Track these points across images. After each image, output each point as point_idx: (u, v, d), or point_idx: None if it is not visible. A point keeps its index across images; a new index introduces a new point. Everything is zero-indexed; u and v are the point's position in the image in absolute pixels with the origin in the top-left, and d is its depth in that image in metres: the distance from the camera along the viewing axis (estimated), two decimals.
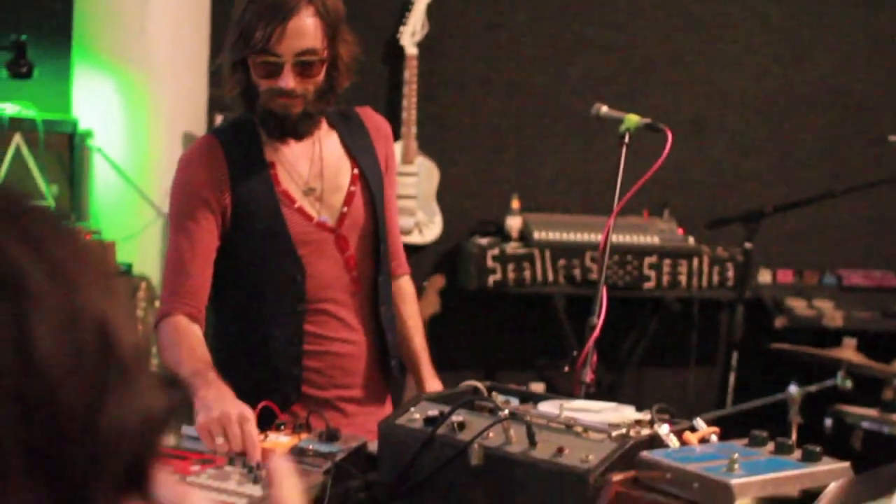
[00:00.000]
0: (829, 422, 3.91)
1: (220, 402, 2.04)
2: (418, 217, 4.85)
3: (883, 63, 5.01)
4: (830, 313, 4.72)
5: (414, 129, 4.74)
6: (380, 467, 1.95)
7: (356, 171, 2.46)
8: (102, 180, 4.22)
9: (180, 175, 2.36)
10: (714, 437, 1.80)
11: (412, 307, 2.64)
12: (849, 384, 3.83)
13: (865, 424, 3.80)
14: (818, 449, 1.68)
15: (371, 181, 2.46)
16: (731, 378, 4.21)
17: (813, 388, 3.82)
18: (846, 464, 1.67)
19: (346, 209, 2.43)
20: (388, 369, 2.50)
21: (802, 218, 4.75)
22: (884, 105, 4.94)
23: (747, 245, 4.31)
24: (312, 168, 2.41)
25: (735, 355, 4.22)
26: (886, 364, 4.26)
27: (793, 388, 3.82)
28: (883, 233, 5.03)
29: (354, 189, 2.44)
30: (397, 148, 4.71)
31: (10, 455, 0.56)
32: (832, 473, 1.63)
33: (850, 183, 4.31)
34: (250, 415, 1.98)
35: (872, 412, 4.10)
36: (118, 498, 0.63)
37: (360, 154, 2.47)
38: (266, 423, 2.12)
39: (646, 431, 1.74)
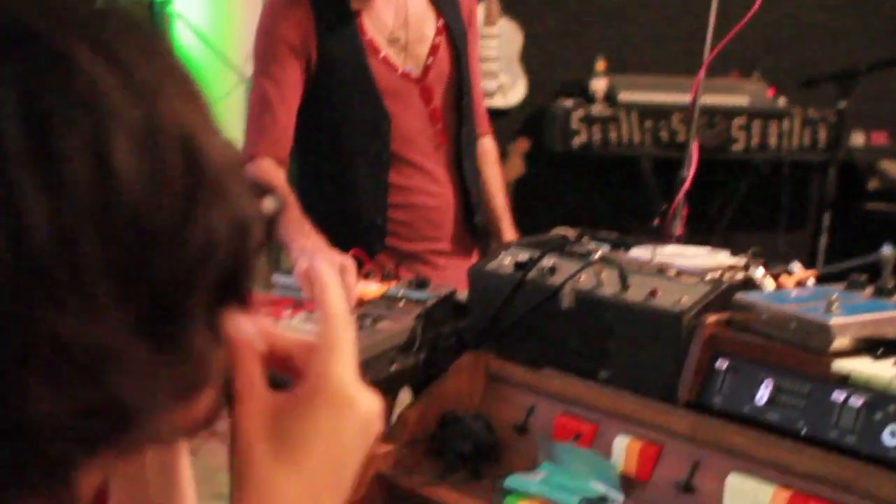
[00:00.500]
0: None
1: (320, 251, 2.06)
2: (501, 80, 4.79)
3: None
4: None
5: None
6: (470, 313, 1.96)
7: (441, 22, 2.42)
8: (183, 47, 4.21)
9: (266, 21, 2.34)
10: (811, 281, 1.77)
11: (494, 168, 2.63)
12: None
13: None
14: None
15: (455, 34, 2.43)
16: (823, 240, 4.14)
17: None
18: None
19: (430, 60, 2.40)
20: (474, 225, 2.50)
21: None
22: None
23: (840, 105, 4.19)
24: (397, 18, 2.38)
25: (827, 217, 4.15)
26: None
27: (886, 249, 3.73)
28: None
29: (439, 40, 2.41)
30: (480, 10, 4.63)
31: (95, 279, 0.54)
32: None
33: None
34: (351, 264, 1.99)
35: None
36: (216, 313, 0.61)
37: (445, 6, 2.44)
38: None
39: (740, 275, 1.71)
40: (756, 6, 2.20)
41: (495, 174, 2.62)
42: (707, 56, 2.29)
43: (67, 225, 0.53)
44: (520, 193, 4.57)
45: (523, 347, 1.82)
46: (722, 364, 1.58)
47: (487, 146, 2.62)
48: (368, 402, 0.72)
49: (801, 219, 4.82)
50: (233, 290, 0.62)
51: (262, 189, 0.67)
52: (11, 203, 0.52)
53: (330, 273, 0.73)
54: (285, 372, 0.74)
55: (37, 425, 0.54)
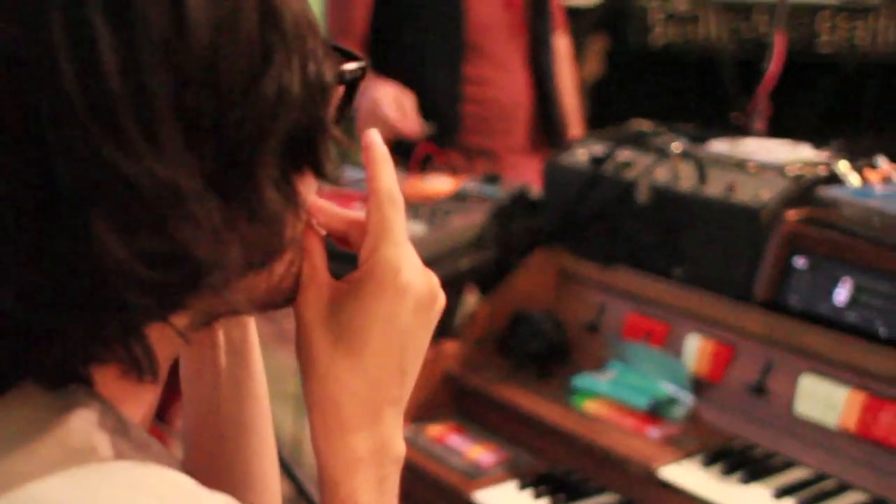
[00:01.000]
0: None
1: (379, 86, 2.09)
2: None
3: None
4: None
5: None
6: (542, 209, 1.92)
7: None
8: None
9: None
10: None
11: (566, 65, 2.57)
12: None
13: None
14: None
15: None
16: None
17: None
18: None
19: None
20: (550, 120, 2.45)
21: None
22: None
23: None
24: None
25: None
26: None
27: None
28: None
29: None
30: None
31: (164, 121, 0.53)
32: None
33: None
34: (409, 97, 2.01)
35: None
36: (290, 175, 0.60)
37: None
38: (426, 165, 2.12)
39: (823, 170, 1.65)
40: None
41: (567, 71, 2.56)
42: None
43: (138, 64, 0.53)
44: (598, 93, 4.48)
45: (597, 244, 1.78)
46: (800, 262, 1.53)
47: (561, 43, 2.56)
48: (424, 284, 0.69)
49: (890, 119, 4.66)
50: (307, 152, 0.61)
51: (344, 53, 0.66)
52: (83, 39, 0.52)
53: (382, 146, 0.70)
54: (346, 248, 0.72)
55: (109, 273, 0.54)
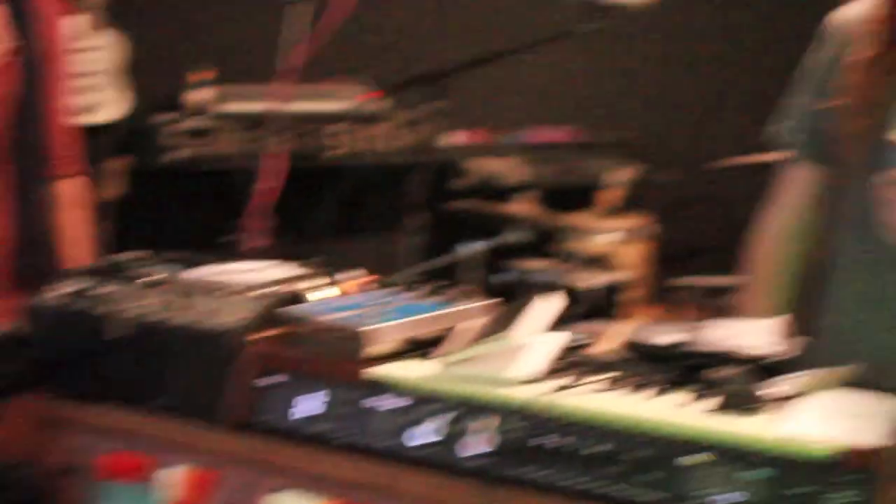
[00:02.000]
0: (506, 275, 4.07)
1: None
2: (104, 94, 4.63)
3: None
4: (514, 170, 4.88)
5: None
6: (30, 349, 1.87)
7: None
8: None
9: None
10: (362, 289, 1.81)
11: (70, 208, 2.47)
12: (527, 237, 3.98)
13: (539, 276, 3.98)
14: (469, 289, 1.72)
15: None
16: (418, 240, 4.29)
17: (492, 243, 3.95)
18: (484, 302, 1.72)
19: None
20: (36, 262, 2.36)
21: (489, 76, 4.81)
22: None
23: (435, 105, 4.35)
24: None
25: (420, 216, 4.29)
26: (563, 214, 4.47)
27: (473, 245, 3.94)
28: (565, 89, 5.21)
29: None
30: (81, 20, 4.45)
31: None
32: (464, 314, 1.68)
33: (533, 39, 4.37)
34: None
35: (546, 264, 4.29)
36: None
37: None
38: None
39: (292, 287, 1.73)
40: (345, 13, 2.23)
41: (73, 214, 2.46)
42: (290, 64, 2.30)
43: None
44: (121, 213, 4.43)
45: (78, 384, 1.75)
46: (267, 381, 1.58)
47: (65, 187, 2.46)
48: None
49: (401, 220, 4.98)
50: None
51: None
52: None
53: None
54: None
55: None
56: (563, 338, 1.62)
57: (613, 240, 4.37)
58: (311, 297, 1.71)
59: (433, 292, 1.76)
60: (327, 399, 1.54)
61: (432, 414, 1.47)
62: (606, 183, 4.57)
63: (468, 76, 4.46)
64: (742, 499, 1.29)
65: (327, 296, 1.75)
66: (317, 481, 1.52)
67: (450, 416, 1.46)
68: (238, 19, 4.81)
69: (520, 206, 4.18)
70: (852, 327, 1.81)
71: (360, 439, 1.50)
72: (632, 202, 4.74)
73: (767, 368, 1.46)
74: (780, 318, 1.61)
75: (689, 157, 5.17)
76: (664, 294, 4.56)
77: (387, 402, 1.49)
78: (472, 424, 1.44)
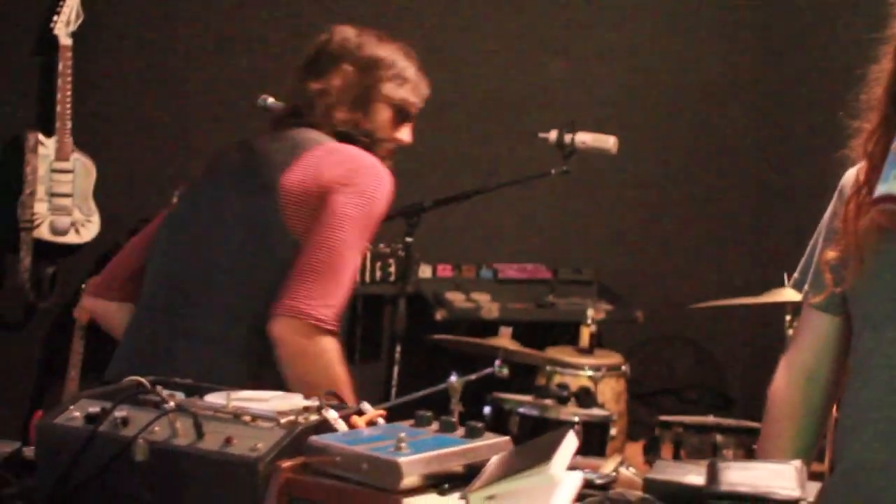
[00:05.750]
0: (488, 409, 4.07)
1: None
2: (75, 216, 4.64)
3: (530, 61, 5.28)
4: (487, 305, 4.93)
5: (69, 124, 4.53)
6: (38, 471, 1.85)
7: None
8: None
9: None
10: (381, 420, 1.83)
11: None
12: (505, 371, 3.97)
13: (521, 409, 3.98)
14: (480, 425, 1.74)
15: None
16: (395, 371, 4.30)
17: (472, 376, 3.95)
18: (506, 438, 1.74)
19: None
20: None
21: (459, 213, 4.89)
22: (532, 103, 5.20)
23: (408, 240, 4.41)
24: None
25: (398, 349, 4.31)
26: (540, 351, 4.50)
27: (453, 378, 3.93)
28: (534, 227, 5.31)
29: None
30: (50, 143, 4.50)
31: None
32: (494, 447, 1.70)
33: (503, 178, 4.48)
34: None
35: (528, 398, 4.30)
36: None
37: None
38: None
39: (314, 417, 1.74)
40: None
41: None
42: None
43: None
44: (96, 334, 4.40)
45: None
46: None
47: None
48: None
49: (375, 351, 5.00)
50: None
51: None
52: None
53: None
54: None
55: None
56: (582, 476, 1.64)
57: (593, 375, 4.41)
58: (338, 425, 1.71)
59: (444, 428, 1.77)
60: None
61: None
62: (581, 320, 4.63)
63: (440, 212, 4.52)
64: None
65: (346, 426, 1.76)
66: None
67: None
68: (204, 148, 4.87)
69: (500, 340, 4.21)
70: (878, 467, 1.84)
71: None
72: (605, 340, 4.80)
73: None
74: (800, 462, 1.64)
75: (660, 297, 5.26)
76: (640, 431, 4.58)
77: None
78: None
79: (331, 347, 2.36)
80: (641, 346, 5.26)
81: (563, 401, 4.31)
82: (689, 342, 5.51)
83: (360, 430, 1.74)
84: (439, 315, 4.82)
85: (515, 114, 5.18)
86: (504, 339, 4.21)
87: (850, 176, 2.04)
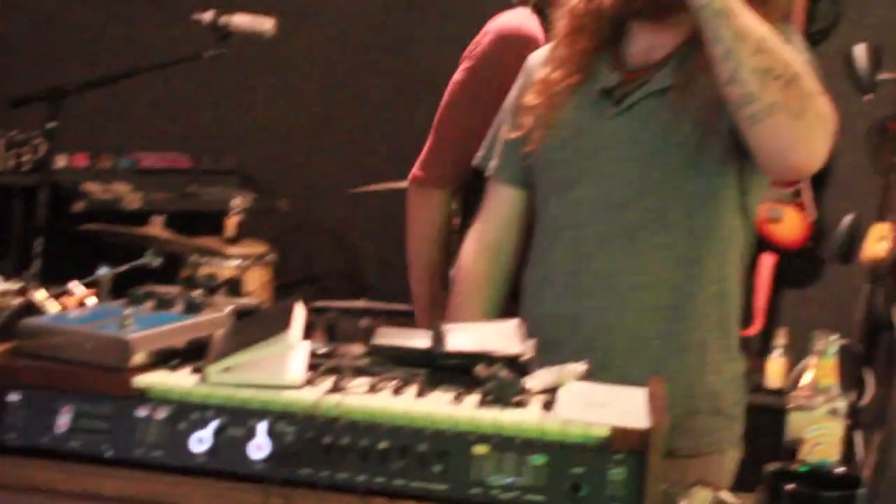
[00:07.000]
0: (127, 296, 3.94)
1: None
2: None
3: None
4: (128, 196, 4.75)
5: None
6: None
7: None
8: None
9: None
10: (91, 300, 1.74)
11: None
12: (158, 261, 3.88)
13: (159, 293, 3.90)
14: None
15: None
16: (38, 265, 4.06)
17: (123, 267, 3.81)
18: (227, 311, 1.71)
19: None
20: None
21: (97, 100, 4.65)
22: None
23: (49, 126, 4.14)
24: None
25: (40, 241, 4.07)
26: (188, 239, 4.41)
27: (103, 270, 3.78)
28: (174, 115, 5.15)
29: None
30: None
31: None
32: (215, 322, 1.67)
33: (150, 61, 4.27)
34: None
35: (175, 289, 4.22)
36: None
37: None
38: None
39: (20, 300, 1.63)
40: None
41: None
42: None
43: None
44: None
45: None
46: (13, 397, 1.48)
47: None
48: None
49: (5, 249, 4.69)
50: None
51: None
52: None
53: None
54: None
55: None
56: (310, 345, 1.66)
57: (240, 265, 4.38)
58: (49, 307, 1.62)
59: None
60: (84, 411, 1.47)
61: (207, 421, 1.45)
62: (226, 209, 4.57)
63: (81, 97, 4.28)
64: (524, 483, 1.39)
65: (56, 307, 1.66)
66: (73, 499, 1.44)
67: (227, 422, 1.45)
68: None
69: (148, 230, 4.08)
70: (567, 316, 1.97)
71: (126, 452, 1.45)
72: (249, 229, 4.76)
73: (518, 365, 1.58)
74: (517, 319, 1.73)
75: (302, 186, 5.28)
76: None
77: (160, 412, 1.45)
78: (251, 429, 1.44)
79: None
80: (283, 235, 5.28)
81: (211, 291, 4.27)
82: (328, 230, 5.59)
83: (73, 310, 1.65)
84: (78, 206, 4.58)
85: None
86: (156, 228, 4.10)
87: (537, 56, 2.14)
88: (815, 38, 4.50)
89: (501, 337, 1.66)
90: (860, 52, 4.24)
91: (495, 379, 1.50)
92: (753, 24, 1.74)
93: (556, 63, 2.05)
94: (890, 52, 4.23)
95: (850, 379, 4.16)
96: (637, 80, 1.97)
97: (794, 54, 1.76)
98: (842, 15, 4.55)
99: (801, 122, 1.71)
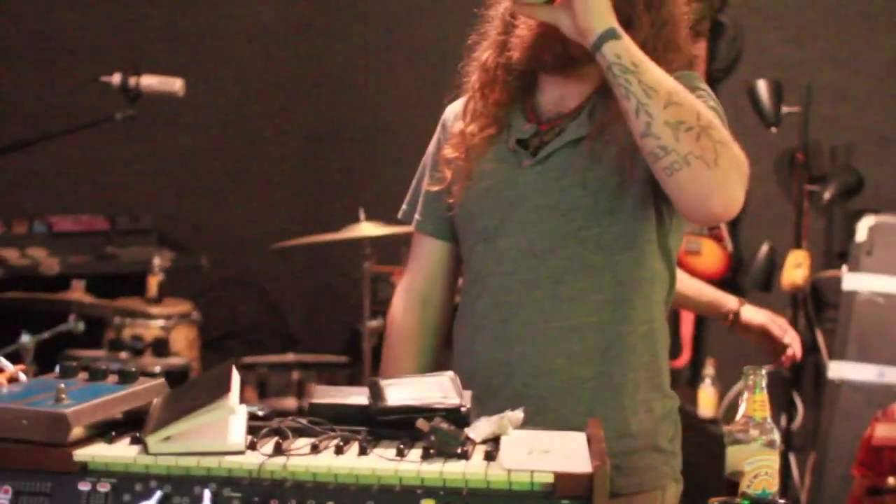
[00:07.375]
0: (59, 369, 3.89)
1: None
2: None
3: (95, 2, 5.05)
4: (46, 260, 4.69)
5: None
6: None
7: None
8: None
9: None
10: (22, 375, 1.72)
11: None
12: (81, 326, 3.84)
13: (104, 364, 3.86)
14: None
15: None
16: None
17: (46, 334, 3.77)
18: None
19: None
20: None
21: (7, 164, 4.59)
22: (92, 45, 4.98)
23: None
24: None
25: None
26: (111, 301, 4.37)
27: (25, 338, 3.74)
28: (90, 177, 5.10)
29: None
30: None
31: None
32: (150, 391, 1.66)
33: (59, 126, 4.24)
34: None
35: (101, 352, 4.18)
36: None
37: None
38: None
39: None
40: None
41: None
42: None
43: None
44: None
45: None
46: None
47: None
48: None
49: None
50: None
51: None
52: None
53: None
54: None
55: None
56: (247, 408, 1.65)
57: (165, 325, 4.33)
58: None
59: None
60: (24, 489, 1.45)
61: (152, 491, 1.44)
62: (146, 269, 4.53)
63: None
64: None
65: None
66: None
67: (171, 491, 1.44)
68: None
69: (69, 295, 4.03)
70: (501, 365, 1.98)
71: None
72: (171, 287, 4.72)
73: (458, 417, 1.59)
74: (451, 372, 1.75)
75: (220, 241, 5.25)
76: None
77: (103, 485, 1.44)
78: (197, 497, 1.43)
79: None
80: (206, 292, 5.24)
81: (138, 352, 4.23)
82: (251, 284, 5.56)
83: (4, 386, 1.63)
84: None
85: (74, 57, 4.94)
86: (77, 293, 4.05)
87: (453, 109, 2.17)
88: (717, 75, 4.63)
89: (439, 389, 1.67)
90: (762, 87, 4.38)
91: (437, 431, 1.51)
92: (662, 77, 1.78)
93: (472, 116, 2.08)
94: (788, 86, 4.36)
95: (780, 403, 4.25)
96: (552, 131, 2.00)
97: (702, 105, 1.81)
98: (741, 53, 4.68)
99: (716, 170, 1.75)
